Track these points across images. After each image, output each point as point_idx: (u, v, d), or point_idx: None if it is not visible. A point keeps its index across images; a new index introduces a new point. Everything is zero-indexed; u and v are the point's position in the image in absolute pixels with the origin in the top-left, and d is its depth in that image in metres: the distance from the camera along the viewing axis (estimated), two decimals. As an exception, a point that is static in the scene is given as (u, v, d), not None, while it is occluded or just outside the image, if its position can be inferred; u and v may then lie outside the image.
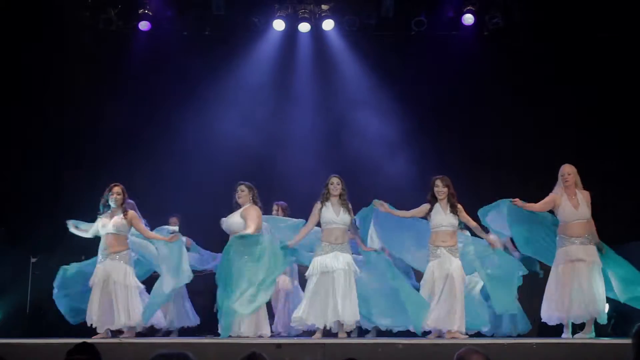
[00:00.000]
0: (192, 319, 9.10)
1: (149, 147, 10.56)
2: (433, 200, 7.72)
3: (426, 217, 7.76)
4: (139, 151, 10.54)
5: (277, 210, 8.88)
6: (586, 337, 7.45)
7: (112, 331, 7.80)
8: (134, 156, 10.48)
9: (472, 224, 7.81)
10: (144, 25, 10.65)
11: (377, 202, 7.86)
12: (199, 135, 10.73)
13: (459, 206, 7.69)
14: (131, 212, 7.94)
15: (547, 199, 7.77)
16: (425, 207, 7.73)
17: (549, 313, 7.69)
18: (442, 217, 7.62)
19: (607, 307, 8.51)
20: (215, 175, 10.17)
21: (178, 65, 10.81)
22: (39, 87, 10.40)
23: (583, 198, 7.70)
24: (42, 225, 10.04)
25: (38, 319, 9.21)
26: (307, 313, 7.50)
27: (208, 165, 10.40)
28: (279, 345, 6.28)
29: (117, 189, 7.94)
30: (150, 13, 10.62)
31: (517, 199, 7.75)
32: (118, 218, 7.89)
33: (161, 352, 3.52)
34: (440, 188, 7.68)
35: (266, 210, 8.68)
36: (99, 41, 10.68)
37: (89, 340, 4.07)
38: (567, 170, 7.75)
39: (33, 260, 9.73)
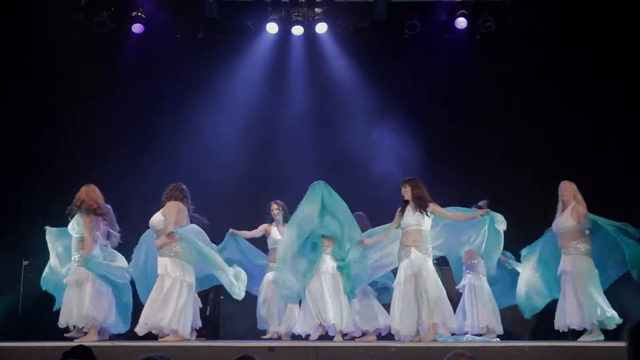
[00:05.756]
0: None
1: (141, 149, 10.54)
2: (403, 204, 7.79)
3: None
4: (132, 153, 10.52)
5: (278, 209, 8.71)
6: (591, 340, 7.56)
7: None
8: (126, 158, 10.47)
9: (448, 215, 7.81)
10: (137, 28, 10.64)
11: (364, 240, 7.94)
12: (192, 138, 10.73)
13: (431, 206, 7.67)
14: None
15: None
16: (397, 213, 7.80)
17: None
18: (410, 217, 7.65)
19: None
20: (208, 177, 10.17)
21: (171, 68, 10.80)
22: (31, 89, 10.37)
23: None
24: (34, 228, 10.01)
25: (30, 322, 9.18)
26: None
27: (200, 168, 10.39)
28: (271, 348, 6.32)
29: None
30: (143, 16, 10.62)
31: None
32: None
33: (142, 357, 3.68)
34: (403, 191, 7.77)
35: (263, 211, 8.72)
36: (92, 43, 10.66)
37: (85, 343, 4.08)
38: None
39: (25, 263, 9.69)
